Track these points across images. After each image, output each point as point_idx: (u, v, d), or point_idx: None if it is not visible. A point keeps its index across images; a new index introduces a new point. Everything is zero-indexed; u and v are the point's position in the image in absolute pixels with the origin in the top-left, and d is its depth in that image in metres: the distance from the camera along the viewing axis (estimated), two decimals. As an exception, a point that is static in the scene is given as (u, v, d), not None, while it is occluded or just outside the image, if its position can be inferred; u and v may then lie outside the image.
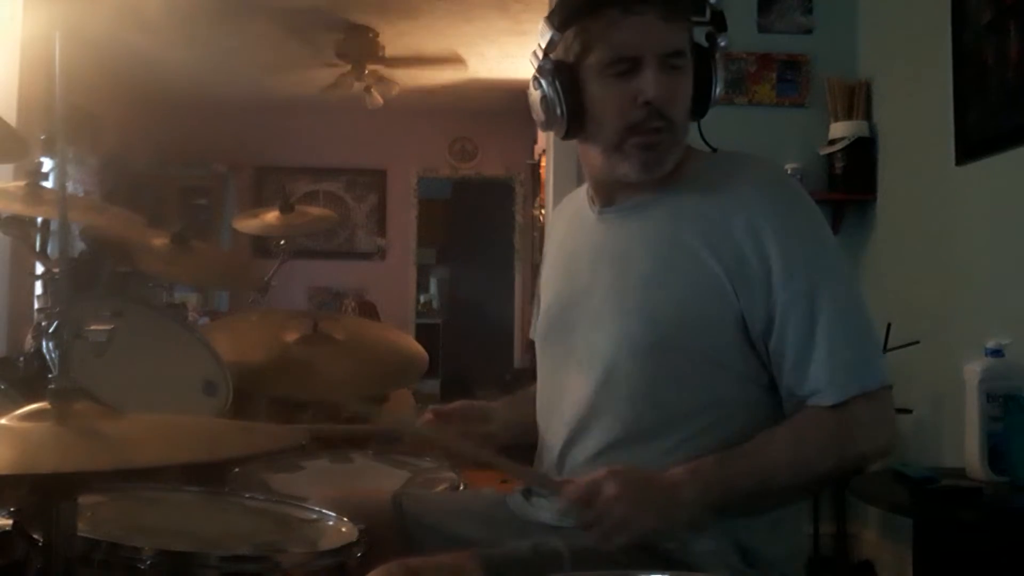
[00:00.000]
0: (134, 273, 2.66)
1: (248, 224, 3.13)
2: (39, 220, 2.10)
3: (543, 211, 5.80)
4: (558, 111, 1.32)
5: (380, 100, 6.62)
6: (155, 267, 2.50)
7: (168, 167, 7.68)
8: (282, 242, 3.04)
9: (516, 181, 8.54)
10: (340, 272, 8.32)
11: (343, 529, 1.27)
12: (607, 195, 1.40)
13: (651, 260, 1.31)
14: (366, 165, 8.43)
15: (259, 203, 7.35)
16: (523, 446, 1.49)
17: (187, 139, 7.71)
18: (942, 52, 2.79)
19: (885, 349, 2.75)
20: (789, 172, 2.41)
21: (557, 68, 1.31)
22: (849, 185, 3.30)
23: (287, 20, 5.74)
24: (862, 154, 3.29)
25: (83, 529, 1.01)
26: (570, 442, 1.35)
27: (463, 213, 9.78)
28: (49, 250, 2.11)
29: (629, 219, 1.37)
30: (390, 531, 1.38)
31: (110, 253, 2.54)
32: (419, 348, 2.54)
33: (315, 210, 3.60)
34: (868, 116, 3.32)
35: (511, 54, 6.35)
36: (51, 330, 0.98)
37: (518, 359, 8.35)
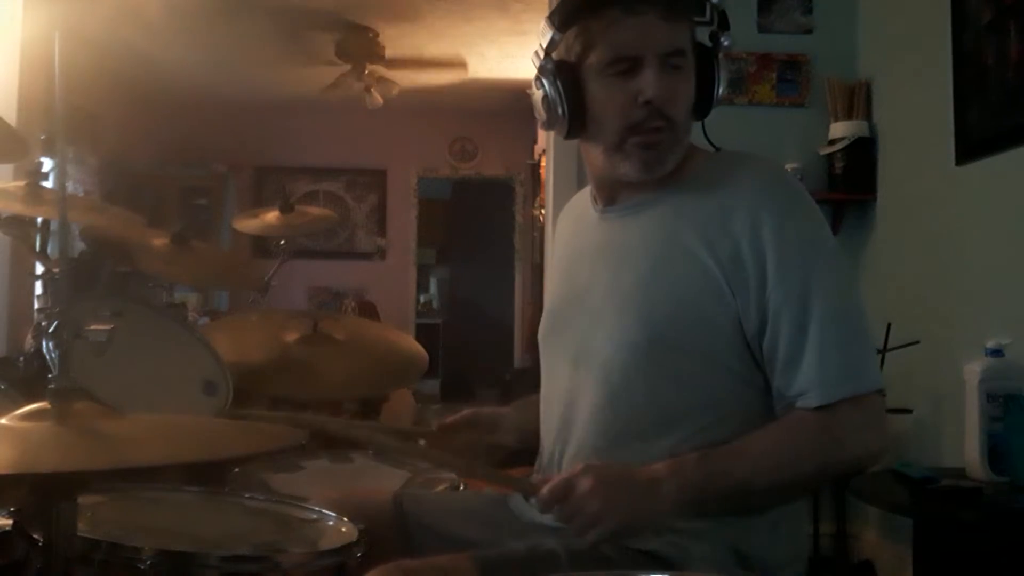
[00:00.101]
0: (134, 273, 2.66)
1: (248, 224, 3.13)
2: (39, 220, 2.10)
3: (543, 211, 5.80)
4: (559, 111, 1.32)
5: (380, 100, 6.62)
6: (155, 267, 2.50)
7: (168, 167, 7.68)
8: (282, 242, 3.04)
9: (516, 181, 8.54)
10: (340, 272, 8.32)
11: (343, 529, 1.27)
12: (609, 194, 1.40)
13: (650, 259, 1.31)
14: (366, 165, 8.43)
15: (259, 203, 7.35)
16: (533, 450, 1.50)
17: (187, 139, 7.71)
18: (942, 52, 2.79)
19: (885, 349, 2.75)
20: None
21: (558, 68, 1.31)
22: (849, 185, 3.30)
23: (287, 20, 5.74)
24: (862, 154, 3.29)
25: (83, 529, 1.01)
26: (569, 441, 1.36)
27: (463, 213, 9.79)
28: (49, 250, 2.11)
29: (630, 218, 1.37)
30: (390, 531, 1.38)
31: (110, 253, 2.54)
32: (419, 348, 2.54)
33: (315, 210, 3.60)
34: (868, 116, 3.32)
35: (511, 54, 6.35)
36: (51, 330, 0.98)
37: (518, 359, 8.35)
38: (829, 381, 1.21)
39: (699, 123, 1.39)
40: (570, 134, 1.35)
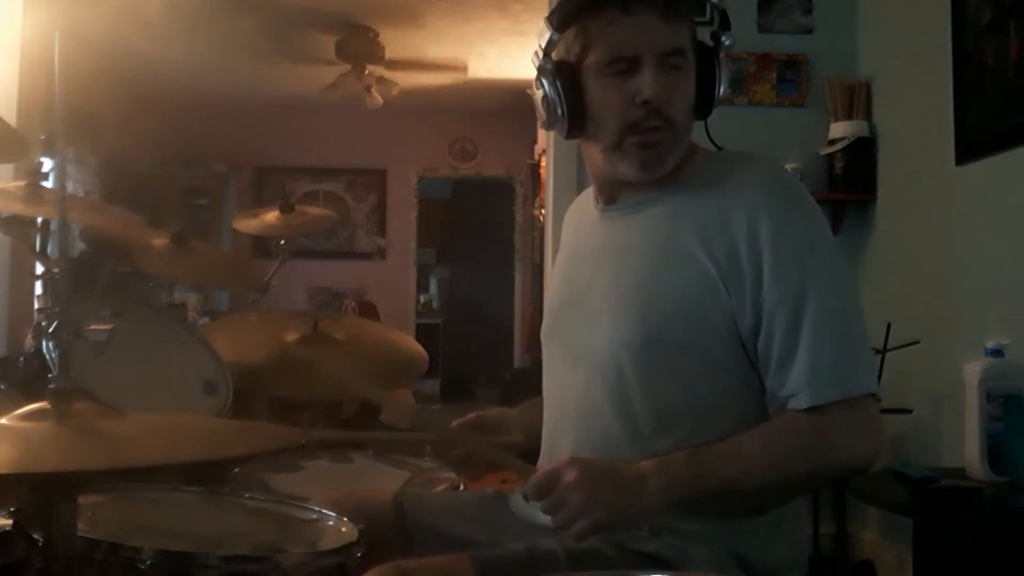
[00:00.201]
0: (134, 273, 2.66)
1: (248, 224, 3.13)
2: (39, 220, 2.10)
3: (543, 211, 5.80)
4: (559, 111, 1.32)
5: (380, 100, 6.62)
6: (155, 267, 2.50)
7: (168, 167, 7.69)
8: (282, 242, 3.05)
9: (516, 181, 8.54)
10: (340, 272, 8.33)
11: (343, 529, 1.27)
12: (609, 194, 1.41)
13: (648, 258, 1.31)
14: (366, 165, 8.43)
15: (259, 203, 7.35)
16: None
17: (187, 139, 7.71)
18: (942, 52, 2.79)
19: (885, 349, 2.75)
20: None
21: (558, 68, 1.31)
22: (849, 185, 3.30)
23: (287, 20, 5.75)
24: (862, 154, 3.29)
25: (83, 529, 1.01)
26: (567, 440, 1.35)
27: (463, 213, 9.79)
28: (49, 250, 2.11)
29: (629, 218, 1.37)
30: (390, 531, 1.38)
31: (110, 253, 2.54)
32: (419, 348, 2.54)
33: (315, 210, 3.60)
34: (868, 116, 3.32)
35: (511, 54, 6.35)
36: (51, 330, 0.98)
37: (518, 359, 8.35)
38: (820, 383, 1.20)
39: (703, 123, 1.39)
40: (570, 134, 1.35)
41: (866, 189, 3.30)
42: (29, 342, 2.16)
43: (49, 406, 0.96)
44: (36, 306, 2.53)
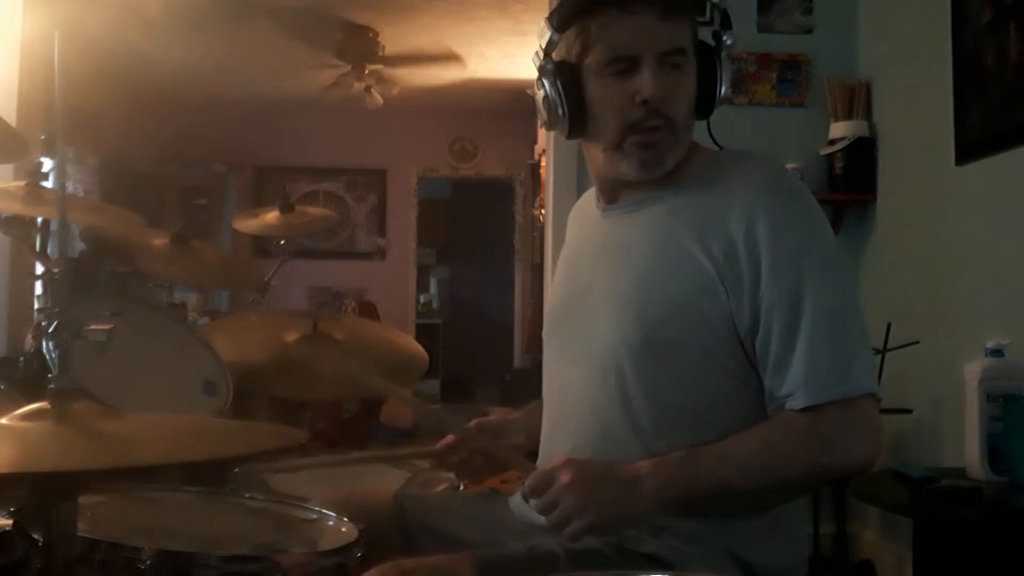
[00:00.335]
0: (134, 273, 2.66)
1: (248, 224, 3.14)
2: (39, 220, 2.10)
3: (543, 211, 5.80)
4: (560, 111, 1.32)
5: (380, 100, 6.62)
6: (155, 267, 2.50)
7: (168, 167, 7.68)
8: (282, 242, 3.05)
9: (516, 181, 8.54)
10: (340, 272, 8.32)
11: (343, 529, 1.27)
12: (610, 193, 1.41)
13: (647, 257, 1.32)
14: (366, 165, 8.43)
15: (259, 203, 7.35)
16: None
17: (187, 139, 7.71)
18: (942, 52, 2.79)
19: (885, 349, 2.75)
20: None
21: (558, 68, 1.31)
22: (849, 185, 3.30)
23: (287, 20, 5.75)
24: (862, 154, 3.29)
25: (83, 529, 1.00)
26: (566, 439, 1.35)
27: (463, 213, 9.79)
28: (49, 250, 2.12)
29: (630, 217, 1.37)
30: (390, 531, 1.38)
31: (110, 253, 2.54)
32: (419, 348, 2.54)
33: (315, 210, 3.61)
34: (868, 116, 3.32)
35: (511, 54, 6.35)
36: (51, 330, 0.98)
37: (518, 359, 8.35)
38: (817, 382, 1.20)
39: (705, 123, 1.39)
40: (571, 134, 1.35)
41: (866, 189, 3.30)
42: (29, 342, 2.16)
43: (49, 406, 0.96)
44: (36, 306, 2.53)
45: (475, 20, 5.71)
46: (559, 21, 1.30)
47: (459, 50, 6.40)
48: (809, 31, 3.46)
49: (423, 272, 9.28)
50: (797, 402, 1.21)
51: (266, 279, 2.92)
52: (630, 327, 1.28)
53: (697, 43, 1.33)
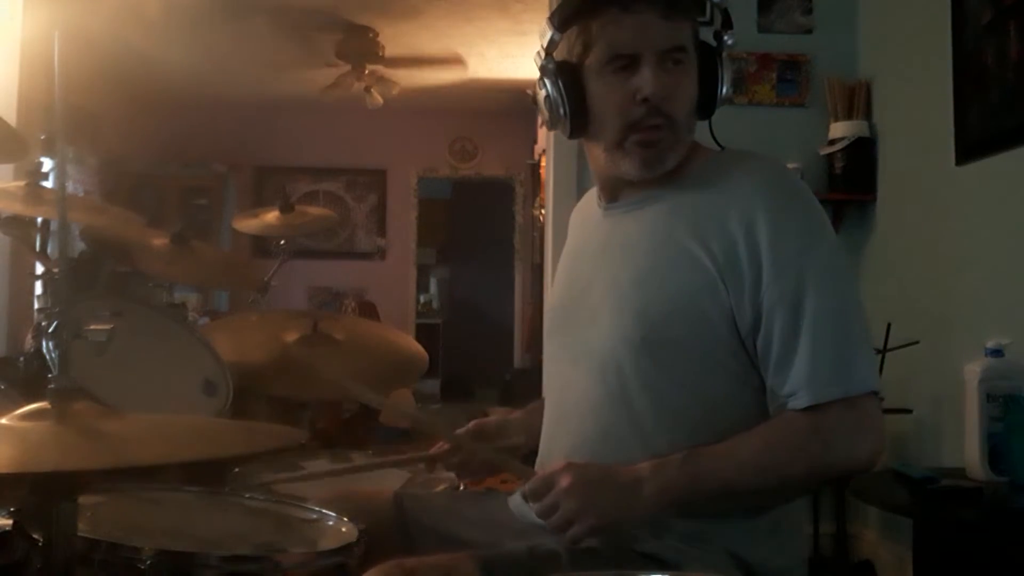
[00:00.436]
0: (134, 273, 2.66)
1: (248, 224, 3.13)
2: (39, 220, 2.10)
3: (543, 211, 5.80)
4: (561, 111, 1.32)
5: (380, 100, 6.62)
6: (155, 267, 2.50)
7: (168, 167, 7.68)
8: (282, 242, 3.05)
9: (516, 181, 8.54)
10: (340, 272, 8.33)
11: (343, 529, 1.27)
12: (612, 192, 1.41)
13: (647, 256, 1.32)
14: (366, 165, 8.43)
15: (259, 203, 7.35)
16: None
17: (187, 139, 7.71)
18: (942, 52, 2.79)
19: (885, 349, 2.75)
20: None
21: (559, 68, 1.31)
22: (849, 185, 3.30)
23: (287, 20, 5.74)
24: (862, 154, 3.29)
25: (83, 529, 1.00)
26: (566, 438, 1.35)
27: (463, 213, 9.79)
28: (49, 250, 2.12)
29: (631, 216, 1.37)
30: (390, 531, 1.38)
31: (110, 253, 2.54)
32: (419, 348, 2.54)
33: (315, 210, 3.61)
34: (868, 116, 3.32)
35: (511, 54, 6.35)
36: (51, 330, 0.98)
37: (518, 359, 8.35)
38: (819, 381, 1.20)
39: (707, 122, 1.39)
40: (572, 133, 1.35)
41: (866, 189, 3.30)
42: (29, 342, 2.16)
43: (49, 406, 0.96)
44: (36, 306, 2.53)
45: (475, 20, 5.71)
46: (560, 21, 1.31)
47: (459, 50, 6.39)
48: (809, 31, 3.46)
49: (423, 272, 9.28)
50: (800, 401, 1.21)
51: (266, 279, 2.91)
52: (631, 326, 1.28)
53: (698, 43, 1.33)
